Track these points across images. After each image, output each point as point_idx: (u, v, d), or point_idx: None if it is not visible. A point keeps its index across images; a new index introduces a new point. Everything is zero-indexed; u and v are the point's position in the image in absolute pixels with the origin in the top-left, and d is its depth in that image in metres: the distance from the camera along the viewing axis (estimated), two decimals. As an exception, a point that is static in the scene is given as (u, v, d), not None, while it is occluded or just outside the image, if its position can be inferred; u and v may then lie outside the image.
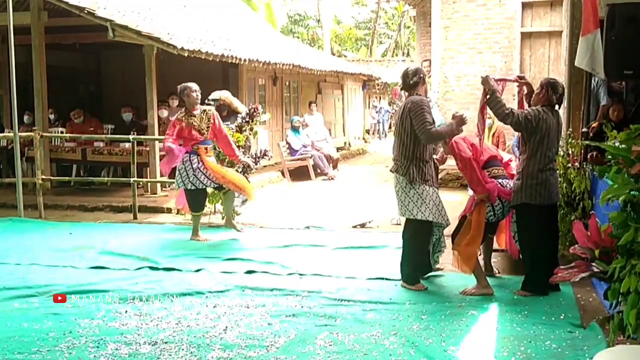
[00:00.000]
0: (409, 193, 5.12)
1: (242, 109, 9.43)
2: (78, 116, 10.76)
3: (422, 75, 5.27)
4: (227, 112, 9.29)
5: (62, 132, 11.00)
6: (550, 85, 5.05)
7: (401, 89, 5.54)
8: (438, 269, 5.62)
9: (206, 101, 9.16)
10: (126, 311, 4.68)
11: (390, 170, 5.37)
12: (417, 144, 5.09)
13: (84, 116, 10.84)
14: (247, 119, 8.16)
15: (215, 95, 9.35)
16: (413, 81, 5.22)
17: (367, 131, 22.91)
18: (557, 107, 5.13)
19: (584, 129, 6.43)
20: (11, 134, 8.71)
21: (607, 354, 3.09)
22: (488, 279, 5.23)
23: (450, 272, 5.50)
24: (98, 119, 11.27)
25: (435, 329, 4.27)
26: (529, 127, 4.92)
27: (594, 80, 6.79)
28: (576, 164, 6.06)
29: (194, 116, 6.90)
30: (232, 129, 8.07)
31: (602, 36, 5.33)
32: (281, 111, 13.98)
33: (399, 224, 7.20)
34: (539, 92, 5.10)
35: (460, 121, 5.10)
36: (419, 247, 5.28)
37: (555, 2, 10.40)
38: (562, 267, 3.70)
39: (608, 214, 3.52)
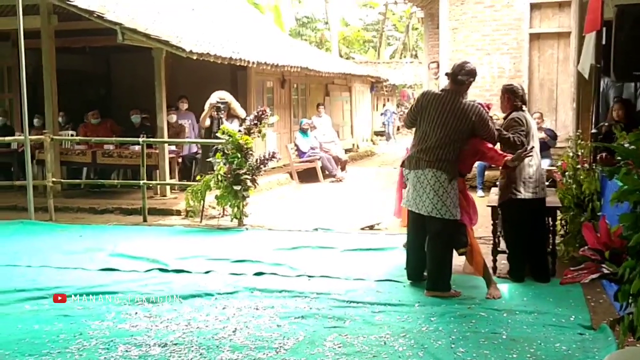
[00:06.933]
0: (448, 189, 4.94)
1: (241, 112, 9.43)
2: (95, 117, 10.88)
3: (472, 80, 5.12)
4: (227, 114, 9.29)
5: (72, 135, 11.06)
6: (509, 92, 5.38)
7: (446, 75, 5.16)
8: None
9: (217, 101, 9.20)
10: (136, 313, 4.71)
11: (419, 168, 5.01)
12: (461, 145, 5.01)
13: (100, 117, 10.97)
14: (255, 121, 8.15)
15: (217, 95, 9.37)
16: (463, 78, 5.03)
17: (376, 133, 22.90)
18: (524, 106, 5.41)
19: (594, 130, 6.41)
20: (22, 137, 8.76)
21: (618, 355, 3.08)
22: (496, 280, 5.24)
23: (459, 274, 5.48)
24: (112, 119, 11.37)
25: (444, 331, 4.26)
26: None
27: (604, 81, 6.76)
28: (585, 165, 6.04)
29: None
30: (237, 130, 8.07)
31: (611, 37, 5.31)
32: (289, 113, 13.99)
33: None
34: (502, 100, 5.44)
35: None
36: (451, 251, 5.15)
37: (564, 3, 10.38)
38: (572, 268, 3.68)
39: (618, 215, 3.51)
